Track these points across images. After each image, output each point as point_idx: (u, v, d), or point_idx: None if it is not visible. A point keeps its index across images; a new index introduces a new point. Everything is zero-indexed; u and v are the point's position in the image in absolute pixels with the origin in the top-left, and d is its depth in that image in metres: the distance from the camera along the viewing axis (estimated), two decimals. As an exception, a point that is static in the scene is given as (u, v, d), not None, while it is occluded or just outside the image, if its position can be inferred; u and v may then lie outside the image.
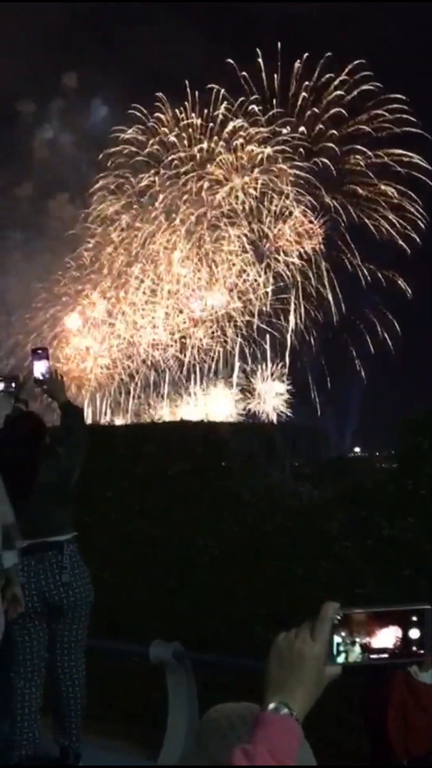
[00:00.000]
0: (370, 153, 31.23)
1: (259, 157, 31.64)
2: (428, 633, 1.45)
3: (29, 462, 4.74)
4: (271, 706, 1.41)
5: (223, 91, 31.27)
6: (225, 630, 6.27)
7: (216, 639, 6.22)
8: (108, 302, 32.32)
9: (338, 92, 31.23)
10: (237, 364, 31.75)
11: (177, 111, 31.99)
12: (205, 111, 31.75)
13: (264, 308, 31.47)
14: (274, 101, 31.27)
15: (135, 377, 32.14)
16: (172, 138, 32.06)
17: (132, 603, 6.85)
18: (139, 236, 32.10)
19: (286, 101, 31.45)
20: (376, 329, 31.11)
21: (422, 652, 1.46)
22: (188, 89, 31.56)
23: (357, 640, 1.45)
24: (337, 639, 1.45)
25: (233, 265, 31.58)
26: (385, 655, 1.46)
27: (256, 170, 31.64)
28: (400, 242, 31.24)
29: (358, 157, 31.39)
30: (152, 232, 31.93)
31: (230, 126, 31.57)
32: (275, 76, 31.11)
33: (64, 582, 4.83)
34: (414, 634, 1.45)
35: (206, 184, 31.76)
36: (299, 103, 31.27)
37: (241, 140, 31.69)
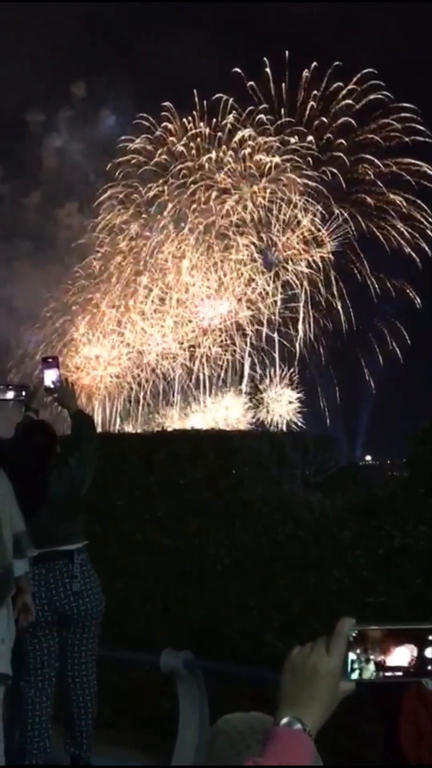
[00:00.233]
0: (378, 162, 31.25)
1: (268, 166, 31.71)
2: None
3: (40, 471, 4.76)
4: (284, 720, 1.40)
5: (231, 100, 31.40)
6: (236, 639, 6.25)
7: (227, 648, 6.20)
8: (117, 311, 32.40)
9: (347, 101, 31.29)
10: (247, 373, 31.79)
11: (185, 120, 32.12)
12: (214, 120, 31.88)
13: (273, 317, 31.50)
14: (283, 110, 31.35)
15: (144, 386, 32.20)
16: (180, 147, 32.17)
17: (143, 612, 6.85)
18: (148, 245, 32.20)
19: (294, 110, 31.53)
20: (386, 338, 31.10)
21: None
22: (196, 99, 31.71)
23: (371, 657, 1.44)
24: (351, 656, 1.44)
25: (241, 274, 31.63)
26: (400, 673, 1.45)
27: (264, 179, 31.71)
28: (410, 252, 31.22)
29: (366, 166, 31.42)
30: (161, 241, 32.02)
31: (238, 135, 31.67)
32: (283, 85, 31.21)
33: (74, 591, 4.84)
34: (430, 653, 1.44)
35: (214, 194, 31.86)
36: (307, 112, 31.34)
37: (249, 149, 31.77)
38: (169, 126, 32.39)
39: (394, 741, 4.01)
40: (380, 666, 1.44)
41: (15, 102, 31.10)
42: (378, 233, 31.33)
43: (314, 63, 31.00)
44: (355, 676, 1.44)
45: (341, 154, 31.40)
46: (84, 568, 4.92)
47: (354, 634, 1.44)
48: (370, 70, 30.86)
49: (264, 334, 31.57)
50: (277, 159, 31.67)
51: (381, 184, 31.31)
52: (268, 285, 31.51)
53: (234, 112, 31.45)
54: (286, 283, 31.64)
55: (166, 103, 32.19)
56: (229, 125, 31.55)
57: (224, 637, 6.33)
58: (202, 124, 31.98)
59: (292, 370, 31.67)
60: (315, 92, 31.29)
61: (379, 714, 4.18)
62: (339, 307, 31.32)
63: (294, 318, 31.62)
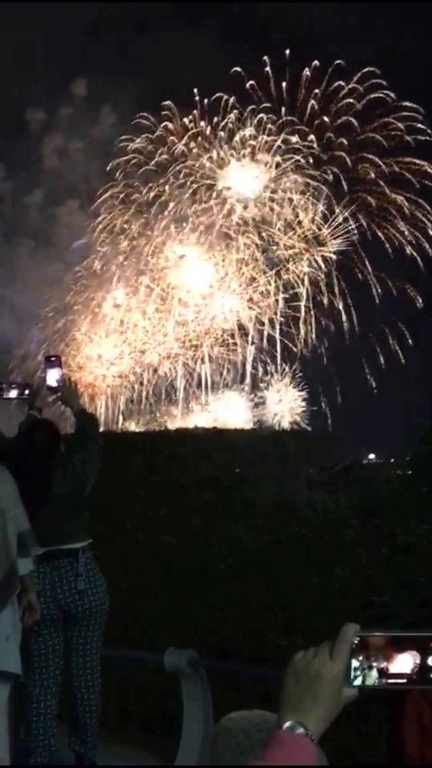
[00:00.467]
0: (380, 162, 31.23)
1: (269, 165, 31.68)
2: None
3: (44, 470, 4.77)
4: (287, 724, 1.39)
5: (232, 99, 31.38)
6: (240, 637, 6.27)
7: (231, 647, 6.21)
8: (118, 311, 32.42)
9: (348, 100, 31.26)
10: (249, 372, 31.80)
11: (186, 120, 32.11)
12: (215, 120, 31.88)
13: (275, 316, 31.51)
14: (283, 110, 31.33)
15: (147, 386, 32.23)
16: (181, 147, 32.19)
17: (146, 611, 6.86)
18: (149, 245, 32.21)
19: (295, 110, 31.50)
20: (387, 338, 31.08)
21: None
22: (197, 98, 31.69)
23: (374, 664, 1.44)
24: (354, 662, 1.43)
25: (242, 274, 31.64)
26: (403, 681, 1.44)
27: (266, 179, 31.68)
28: (412, 252, 31.19)
29: (367, 165, 31.39)
30: (162, 241, 32.03)
31: (239, 135, 31.67)
32: (284, 84, 31.19)
33: (79, 589, 4.85)
34: None
35: (215, 193, 31.85)
36: (308, 111, 31.32)
37: (249, 149, 31.77)
38: (170, 125, 32.41)
39: (397, 740, 4.01)
40: (383, 673, 1.44)
41: (15, 100, 31.09)
42: (379, 233, 31.31)
43: (315, 62, 30.97)
44: (358, 682, 1.44)
45: (342, 154, 31.39)
46: (88, 566, 4.93)
47: (356, 641, 1.44)
48: (372, 69, 30.82)
49: (266, 334, 31.59)
50: (278, 158, 31.67)
51: (383, 184, 31.29)
52: (270, 284, 31.53)
53: (235, 111, 31.46)
54: (288, 282, 31.65)
55: (167, 102, 32.20)
56: (230, 124, 31.57)
57: (228, 636, 6.34)
58: (203, 123, 32.00)
59: (294, 368, 31.69)
60: (316, 91, 31.26)
61: (382, 713, 4.19)
62: (341, 307, 31.31)
63: (296, 317, 31.63)
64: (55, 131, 33.37)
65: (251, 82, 31.18)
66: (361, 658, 1.44)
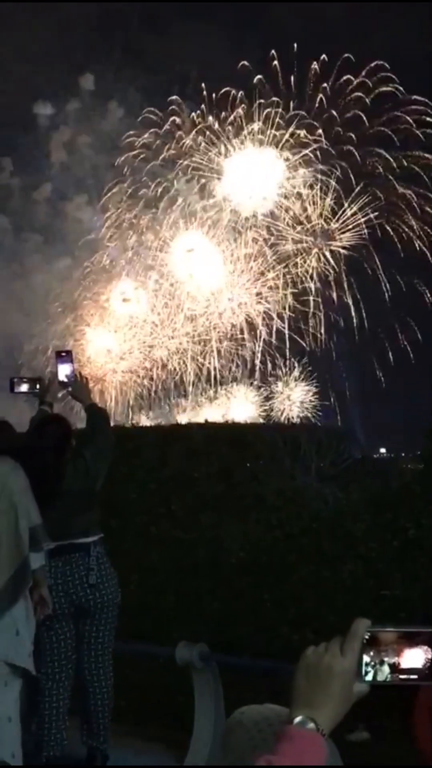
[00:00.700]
0: (388, 156, 31.08)
1: (276, 159, 31.57)
2: None
3: (56, 465, 4.77)
4: (298, 719, 1.39)
5: (240, 93, 31.30)
6: (251, 631, 6.27)
7: (242, 641, 6.22)
8: (127, 305, 32.43)
9: (356, 94, 31.12)
10: (258, 367, 31.78)
11: (194, 114, 32.04)
12: (223, 114, 31.80)
13: (284, 311, 31.47)
14: (291, 104, 31.22)
15: (156, 381, 32.25)
16: (188, 141, 32.12)
17: (158, 605, 6.87)
18: (157, 240, 32.20)
19: (303, 104, 31.39)
20: (397, 332, 30.98)
21: None
22: (205, 92, 31.63)
23: (386, 659, 1.44)
24: (365, 658, 1.43)
25: (251, 268, 31.60)
26: (415, 676, 1.44)
27: (274, 173, 31.58)
28: (421, 246, 31.05)
29: (376, 160, 31.25)
30: (171, 235, 32.02)
31: (247, 129, 31.58)
32: (292, 78, 31.07)
33: (91, 583, 4.86)
34: None
35: (223, 187, 31.77)
36: (316, 105, 31.20)
37: (258, 143, 31.68)
38: (177, 120, 32.36)
39: (409, 733, 4.01)
40: (394, 668, 1.44)
41: (23, 94, 31.07)
42: (388, 227, 31.19)
43: (323, 56, 30.83)
44: (369, 678, 1.44)
45: (351, 148, 31.26)
46: (100, 560, 4.95)
47: (367, 637, 1.44)
48: (380, 62, 30.66)
49: (275, 328, 31.54)
50: (286, 153, 31.56)
51: (391, 178, 31.15)
52: (279, 279, 31.48)
53: (243, 105, 31.37)
54: (297, 276, 31.58)
55: (174, 97, 32.13)
56: (238, 119, 31.48)
57: (239, 630, 6.34)
58: (210, 117, 31.93)
59: (305, 361, 31.66)
60: (324, 85, 31.14)
61: (394, 707, 4.18)
62: (350, 302, 31.24)
63: (305, 312, 31.57)
64: (62, 126, 33.35)
65: (259, 76, 31.09)
66: (372, 653, 1.44)
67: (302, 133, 31.30)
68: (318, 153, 31.30)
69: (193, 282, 31.84)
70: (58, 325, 32.56)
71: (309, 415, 31.30)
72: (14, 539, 4.21)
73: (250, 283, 31.73)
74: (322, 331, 31.35)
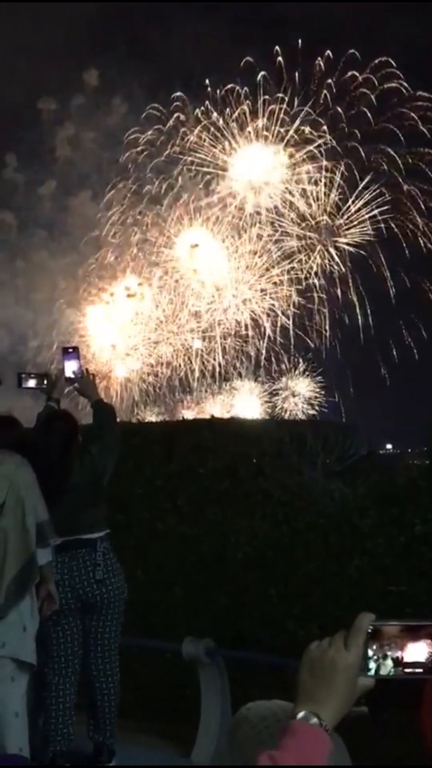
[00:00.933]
0: (393, 152, 30.97)
1: (281, 155, 31.49)
2: None
3: (63, 461, 4.78)
4: (301, 714, 1.39)
5: (245, 89, 31.21)
6: (257, 627, 6.28)
7: (248, 636, 6.23)
8: (133, 301, 32.43)
9: (362, 90, 31.01)
10: (263, 363, 31.77)
11: (198, 110, 31.98)
12: (227, 110, 31.73)
13: (290, 308, 31.43)
14: (296, 100, 31.12)
15: (161, 377, 32.27)
16: (192, 138, 32.06)
17: (164, 601, 6.88)
18: (161, 236, 32.17)
19: (308, 100, 31.28)
20: (402, 329, 30.93)
21: None
22: (209, 88, 31.55)
23: (389, 653, 1.44)
24: (369, 652, 1.43)
25: (255, 264, 31.56)
26: (419, 670, 1.43)
27: (278, 169, 31.51)
28: (426, 243, 30.96)
29: (382, 156, 31.14)
30: (174, 232, 31.99)
31: (252, 125, 31.50)
32: (296, 74, 30.96)
33: (97, 579, 4.87)
34: None
35: (227, 183, 31.73)
36: (321, 101, 31.10)
37: (262, 139, 31.60)
38: (181, 116, 32.29)
39: (414, 728, 4.01)
40: (398, 662, 1.44)
41: (27, 90, 31.04)
42: (392, 224, 31.11)
43: (328, 52, 30.73)
44: (372, 672, 1.44)
45: (356, 144, 31.16)
46: (107, 556, 4.96)
47: (370, 630, 1.44)
48: (386, 58, 30.55)
49: (279, 324, 31.52)
50: (291, 149, 31.49)
51: (396, 174, 31.05)
52: (284, 276, 31.44)
53: (247, 101, 31.28)
54: (301, 273, 31.53)
55: (178, 93, 32.06)
56: (242, 115, 31.41)
57: (245, 625, 6.35)
58: (215, 114, 31.86)
59: (310, 357, 31.64)
60: (329, 81, 31.04)
61: (398, 701, 4.18)
62: (355, 299, 31.20)
63: (310, 308, 31.53)
64: (67, 121, 33.32)
65: (263, 72, 31.01)
66: (375, 647, 1.44)
67: (307, 129, 31.22)
68: (323, 149, 31.22)
69: (197, 278, 31.82)
70: (63, 321, 32.58)
71: (314, 410, 31.31)
72: (21, 535, 4.22)
73: (255, 280, 31.70)
74: (327, 327, 31.32)
